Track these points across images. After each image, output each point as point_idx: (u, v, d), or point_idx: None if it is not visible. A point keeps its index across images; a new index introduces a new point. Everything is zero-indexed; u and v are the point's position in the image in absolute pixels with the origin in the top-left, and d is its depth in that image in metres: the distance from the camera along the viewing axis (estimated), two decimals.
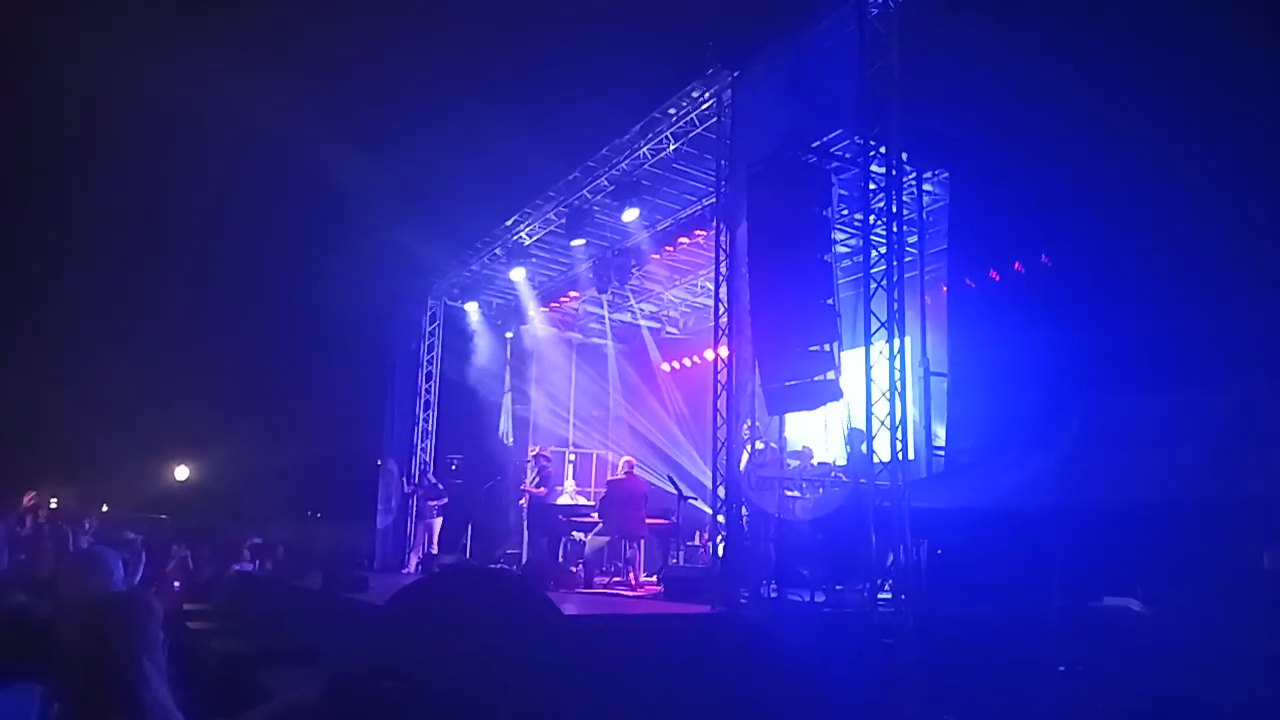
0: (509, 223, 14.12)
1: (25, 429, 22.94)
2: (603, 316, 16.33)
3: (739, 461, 9.12)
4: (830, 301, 8.15)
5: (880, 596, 7.48)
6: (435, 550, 14.32)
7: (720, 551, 9.26)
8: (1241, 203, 8.43)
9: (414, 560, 14.30)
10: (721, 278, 9.64)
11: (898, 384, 7.72)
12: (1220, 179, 8.48)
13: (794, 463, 11.00)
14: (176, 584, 14.54)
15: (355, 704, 1.03)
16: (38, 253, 23.66)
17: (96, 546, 4.95)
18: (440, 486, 14.71)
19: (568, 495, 13.86)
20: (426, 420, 16.43)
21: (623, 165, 11.81)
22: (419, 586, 1.12)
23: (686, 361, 16.79)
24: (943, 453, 9.88)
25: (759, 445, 9.37)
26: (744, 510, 9.09)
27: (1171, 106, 8.65)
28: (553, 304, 16.24)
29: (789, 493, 9.32)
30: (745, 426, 9.45)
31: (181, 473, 28.14)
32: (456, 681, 0.99)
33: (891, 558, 7.51)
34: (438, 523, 14.44)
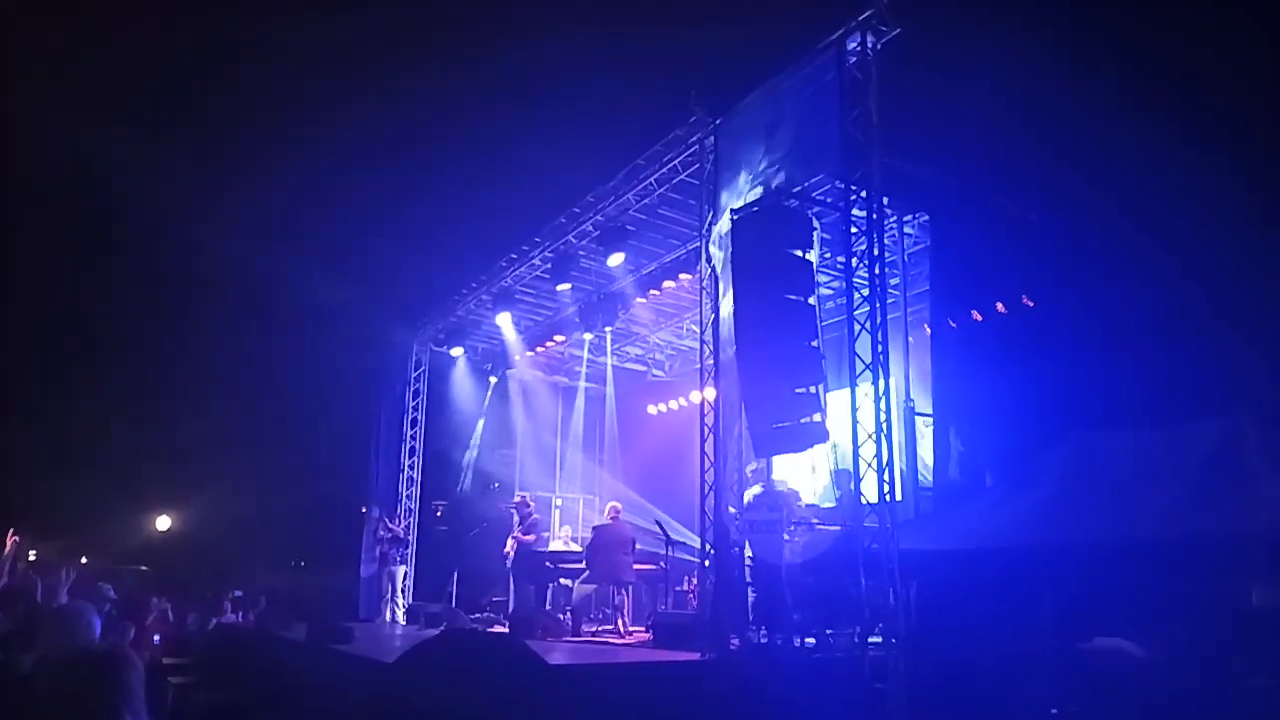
0: (495, 267, 14.19)
1: (2, 479, 22.64)
2: (590, 361, 16.35)
3: (729, 505, 9.09)
4: (814, 344, 8.19)
5: (871, 640, 7.43)
6: (401, 599, 14.21)
7: (709, 597, 9.17)
8: (1222, 241, 8.57)
9: (388, 610, 14.14)
10: (707, 321, 9.68)
11: (883, 425, 7.73)
12: (1201, 216, 8.63)
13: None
14: (156, 637, 14.27)
15: None
16: (16, 300, 23.54)
17: (77, 601, 4.89)
18: (403, 533, 14.67)
19: (560, 542, 13.77)
20: (412, 467, 16.34)
21: (608, 211, 11.91)
22: (398, 670, 1.13)
23: (674, 404, 16.80)
24: (930, 493, 9.89)
25: (757, 490, 9.36)
26: (747, 554, 9.04)
27: (1152, 147, 8.83)
28: (539, 348, 16.25)
29: (785, 536, 9.27)
30: (749, 469, 9.43)
31: (163, 523, 27.77)
32: None
33: (881, 600, 7.46)
34: (400, 570, 14.35)
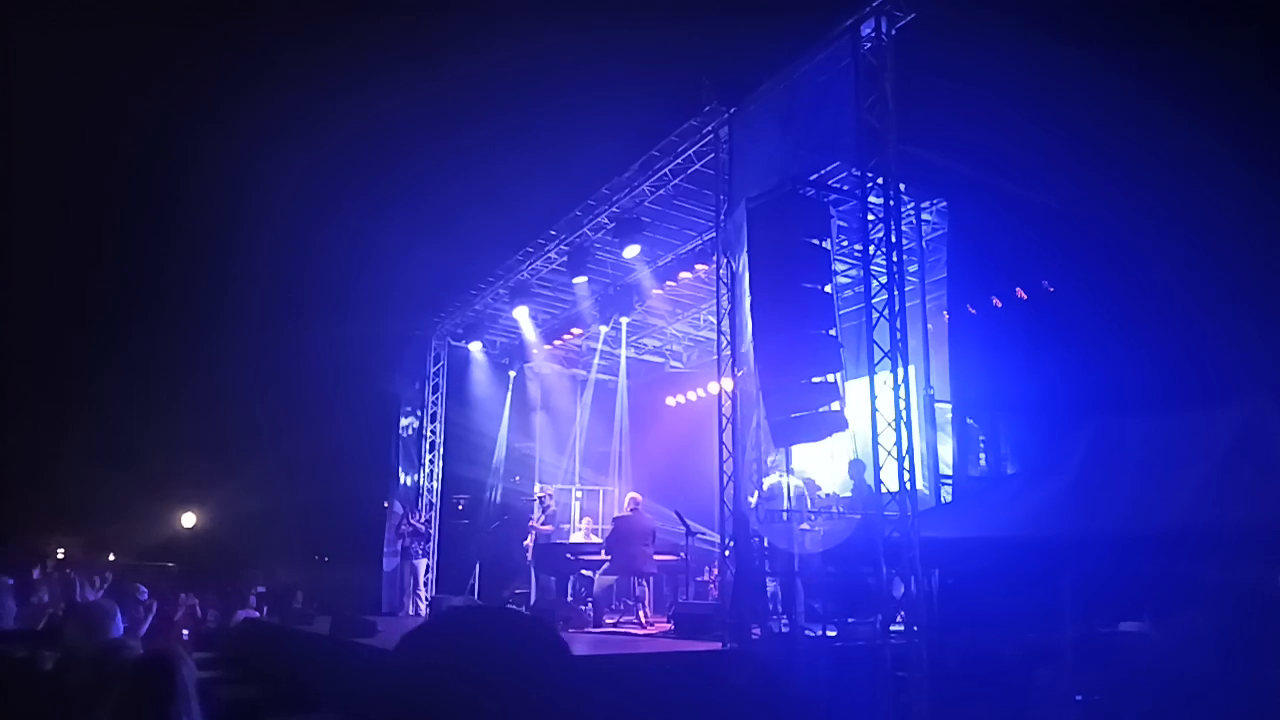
0: (511, 261, 14.21)
1: (30, 477, 22.91)
2: (606, 353, 16.34)
3: (747, 494, 9.08)
4: (832, 332, 8.15)
5: (892, 629, 7.41)
6: (423, 591, 14.30)
7: (730, 587, 9.18)
8: (1243, 226, 8.48)
9: (410, 604, 14.24)
10: (724, 311, 9.66)
11: (903, 413, 7.70)
12: (1223, 200, 8.54)
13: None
14: (185, 632, 14.46)
15: None
16: (42, 297, 23.80)
17: (99, 599, 4.97)
18: (424, 526, 14.77)
19: (581, 533, 13.82)
20: (432, 461, 16.43)
21: (623, 202, 11.89)
22: (428, 629, 1.12)
23: (691, 395, 16.78)
24: (950, 481, 9.85)
25: (768, 482, 9.35)
26: (764, 543, 9.05)
27: (1171, 132, 8.73)
28: (556, 341, 16.27)
29: (802, 526, 9.26)
30: (769, 460, 9.44)
31: (188, 519, 28.05)
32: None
33: (902, 589, 7.45)
34: (422, 564, 14.45)
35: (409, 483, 16.29)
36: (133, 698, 2.74)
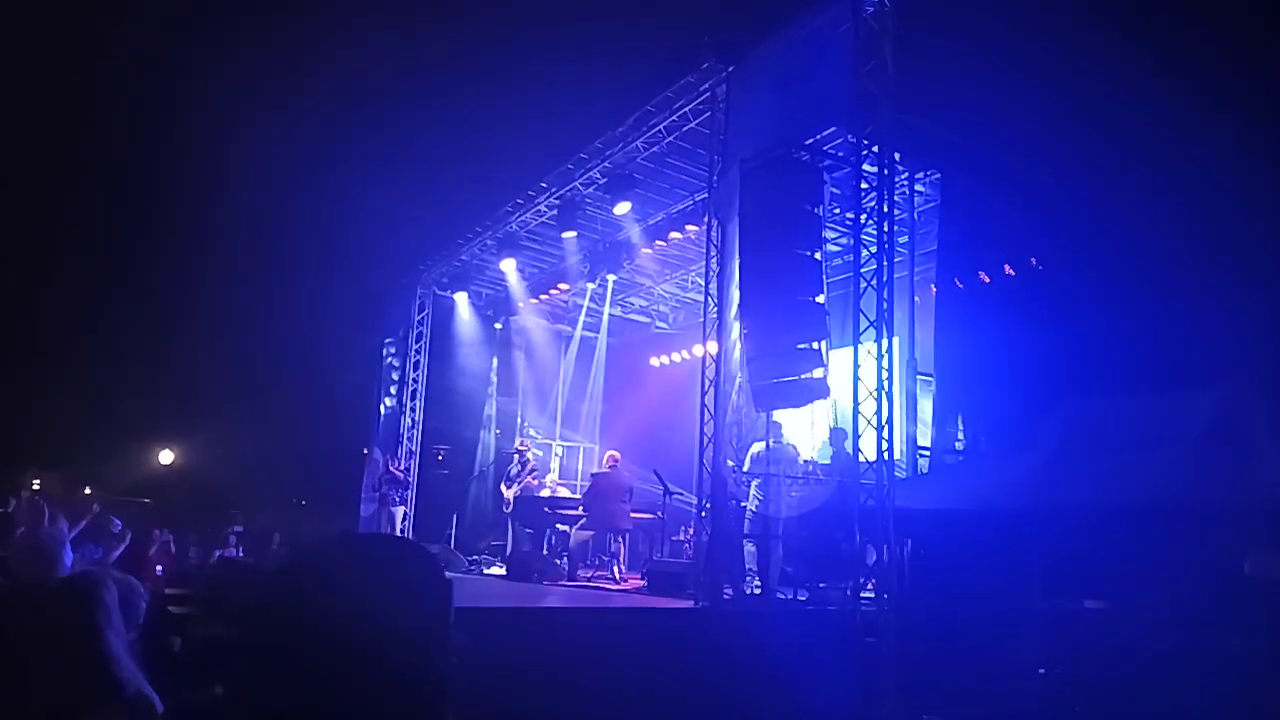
0: (500, 212, 14.08)
1: (6, 411, 22.76)
2: (592, 310, 16.28)
3: (726, 457, 9.12)
4: (819, 299, 8.14)
5: (863, 595, 7.50)
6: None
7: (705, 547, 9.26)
8: (1226, 209, 8.48)
9: None
10: (712, 273, 9.62)
11: (885, 383, 7.72)
12: (1206, 185, 8.53)
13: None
14: (159, 568, 14.45)
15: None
16: (19, 234, 23.47)
17: (46, 531, 4.91)
18: (403, 474, 14.81)
19: (547, 490, 13.88)
20: (414, 410, 16.41)
21: (616, 157, 11.77)
22: (309, 553, 1.15)
23: (676, 356, 16.78)
24: (927, 453, 9.91)
25: (756, 448, 9.40)
26: (750, 507, 9.11)
27: (1161, 112, 8.69)
28: (543, 296, 16.19)
29: (793, 493, 9.33)
30: (735, 427, 9.47)
31: (165, 457, 27.99)
32: (341, 645, 1.02)
33: (875, 556, 7.52)
34: (399, 511, 14.50)
35: (387, 413, 16.29)
36: (52, 616, 2.73)
